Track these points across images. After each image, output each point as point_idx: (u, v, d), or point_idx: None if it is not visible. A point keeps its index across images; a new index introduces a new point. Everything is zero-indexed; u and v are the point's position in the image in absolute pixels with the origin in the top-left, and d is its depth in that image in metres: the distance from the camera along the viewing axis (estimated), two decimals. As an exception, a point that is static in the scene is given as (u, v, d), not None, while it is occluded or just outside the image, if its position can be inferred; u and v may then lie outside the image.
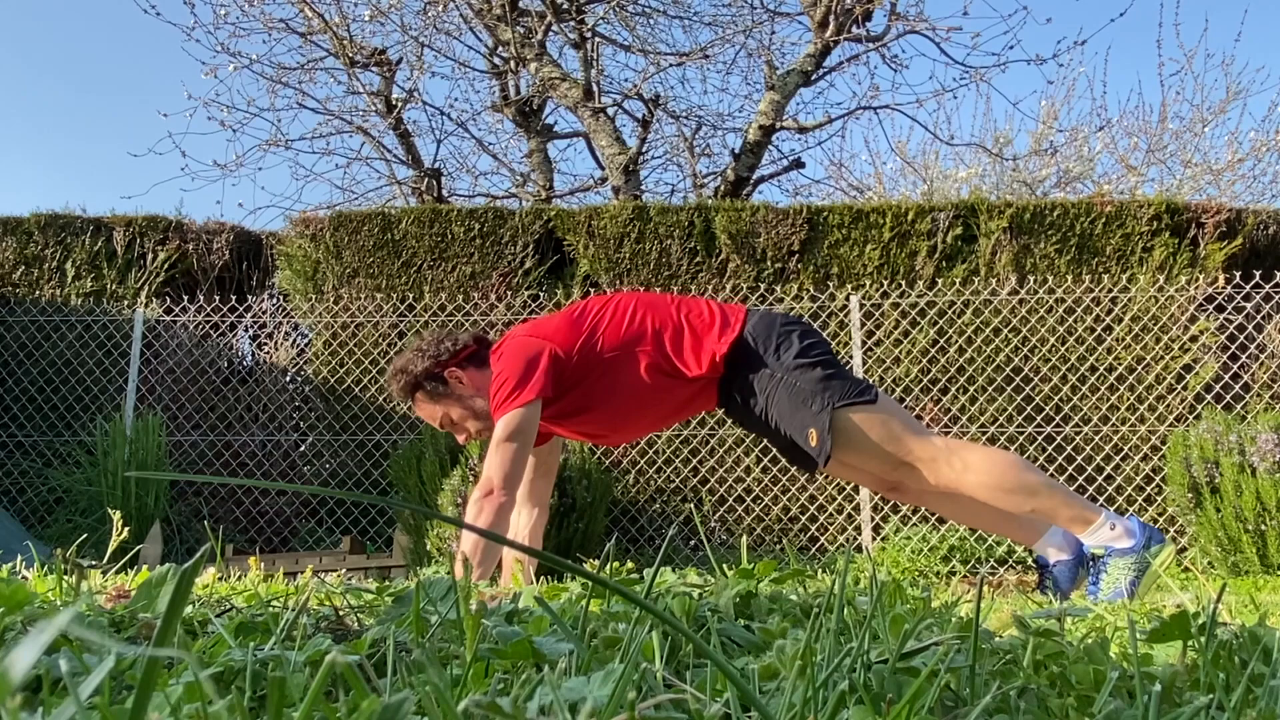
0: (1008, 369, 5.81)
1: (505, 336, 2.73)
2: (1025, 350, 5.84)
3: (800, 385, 2.49)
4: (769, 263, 6.15)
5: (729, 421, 5.10)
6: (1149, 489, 5.57)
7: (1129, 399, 5.78)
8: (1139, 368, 5.79)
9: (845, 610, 0.83)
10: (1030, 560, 4.99)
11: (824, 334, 5.91)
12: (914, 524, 5.43)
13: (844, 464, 2.56)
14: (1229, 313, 5.86)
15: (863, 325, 5.92)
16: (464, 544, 2.46)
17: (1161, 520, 5.45)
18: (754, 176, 9.17)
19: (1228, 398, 5.71)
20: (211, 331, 6.55)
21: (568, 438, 2.87)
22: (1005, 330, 5.89)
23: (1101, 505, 2.59)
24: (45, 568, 1.35)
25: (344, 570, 4.20)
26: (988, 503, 2.47)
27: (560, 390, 2.57)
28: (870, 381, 2.57)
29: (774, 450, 4.67)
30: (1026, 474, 2.45)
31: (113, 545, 1.66)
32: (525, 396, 2.49)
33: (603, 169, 9.23)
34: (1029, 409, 5.77)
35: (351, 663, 0.45)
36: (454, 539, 4.46)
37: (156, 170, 39.18)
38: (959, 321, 5.91)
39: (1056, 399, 5.78)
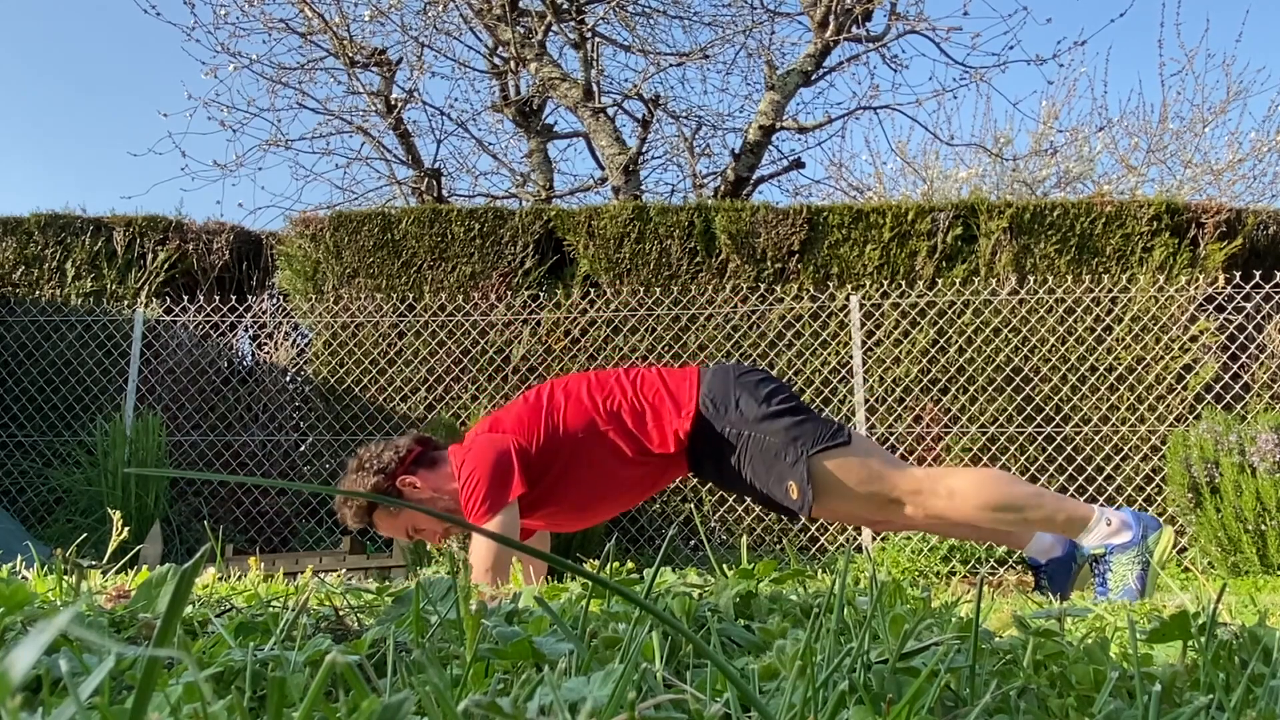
0: (1008, 369, 5.81)
1: (466, 436, 2.64)
2: (1025, 350, 5.84)
3: (770, 440, 2.44)
4: (769, 263, 6.15)
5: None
6: (1149, 489, 5.57)
7: (1129, 399, 5.78)
8: (1139, 368, 5.79)
9: (845, 610, 0.83)
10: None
11: (819, 340, 5.95)
12: (914, 524, 5.43)
13: (829, 508, 2.51)
14: (1229, 313, 5.86)
15: (863, 325, 5.92)
16: (476, 573, 2.35)
17: (1161, 520, 5.45)
18: (754, 176, 9.17)
19: (1228, 398, 5.71)
20: (211, 331, 6.55)
21: (534, 527, 2.75)
22: (1005, 330, 5.89)
23: (1100, 503, 2.59)
24: (45, 568, 1.35)
25: (344, 570, 4.20)
26: (980, 524, 2.45)
27: (530, 481, 2.48)
28: (840, 422, 2.50)
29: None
30: (1014, 487, 2.44)
31: (113, 545, 1.66)
32: (501, 500, 2.39)
33: (603, 169, 9.23)
34: (1029, 409, 5.77)
35: (351, 663, 0.45)
36: (453, 539, 4.46)
37: (156, 170, 39.20)
38: (959, 321, 5.91)
39: (1056, 399, 5.78)
